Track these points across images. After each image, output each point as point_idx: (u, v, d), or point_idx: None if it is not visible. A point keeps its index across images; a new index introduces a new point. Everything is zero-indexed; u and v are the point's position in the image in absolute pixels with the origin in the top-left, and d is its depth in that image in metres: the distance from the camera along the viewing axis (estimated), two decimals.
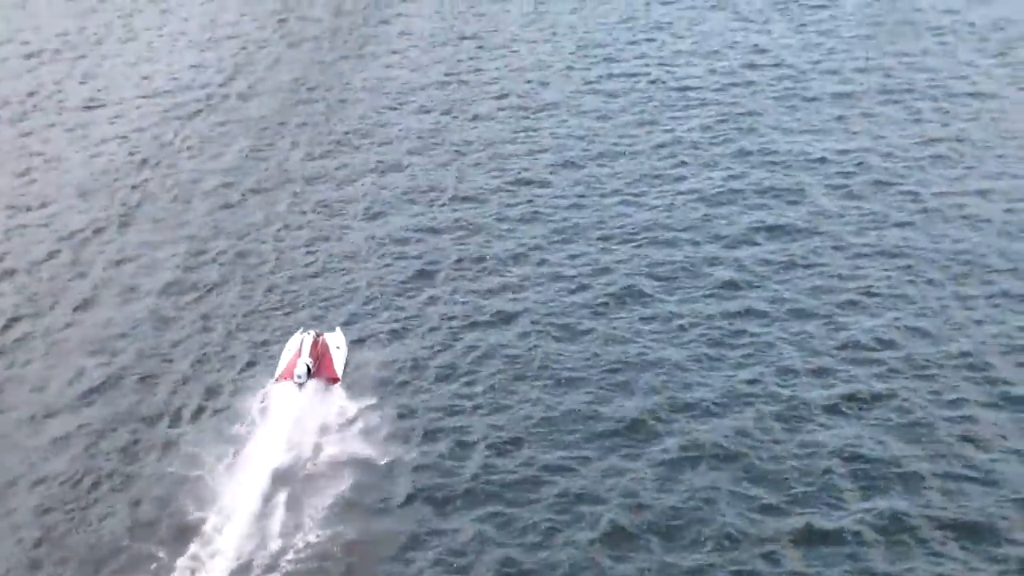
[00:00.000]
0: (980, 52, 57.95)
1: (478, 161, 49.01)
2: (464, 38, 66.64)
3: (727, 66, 58.92)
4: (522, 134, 51.74)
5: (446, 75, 60.33)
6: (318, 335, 28.49)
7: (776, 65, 58.45)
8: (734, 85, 56.17)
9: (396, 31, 69.53)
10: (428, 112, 55.38)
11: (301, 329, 29.36)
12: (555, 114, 53.93)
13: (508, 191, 45.34)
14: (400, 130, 53.16)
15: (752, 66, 58.52)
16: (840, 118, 51.21)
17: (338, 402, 27.42)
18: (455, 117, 54.42)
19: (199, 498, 24.79)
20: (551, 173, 47.17)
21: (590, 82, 57.89)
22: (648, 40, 63.62)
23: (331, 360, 27.71)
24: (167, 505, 25.31)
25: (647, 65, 59.61)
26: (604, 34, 65.46)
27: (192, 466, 26.02)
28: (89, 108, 57.64)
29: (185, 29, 71.43)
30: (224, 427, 27.21)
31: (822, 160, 46.44)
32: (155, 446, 27.52)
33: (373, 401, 28.28)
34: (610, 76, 58.34)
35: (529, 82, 58.52)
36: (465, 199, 44.69)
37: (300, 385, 26.93)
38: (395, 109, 56.17)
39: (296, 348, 27.82)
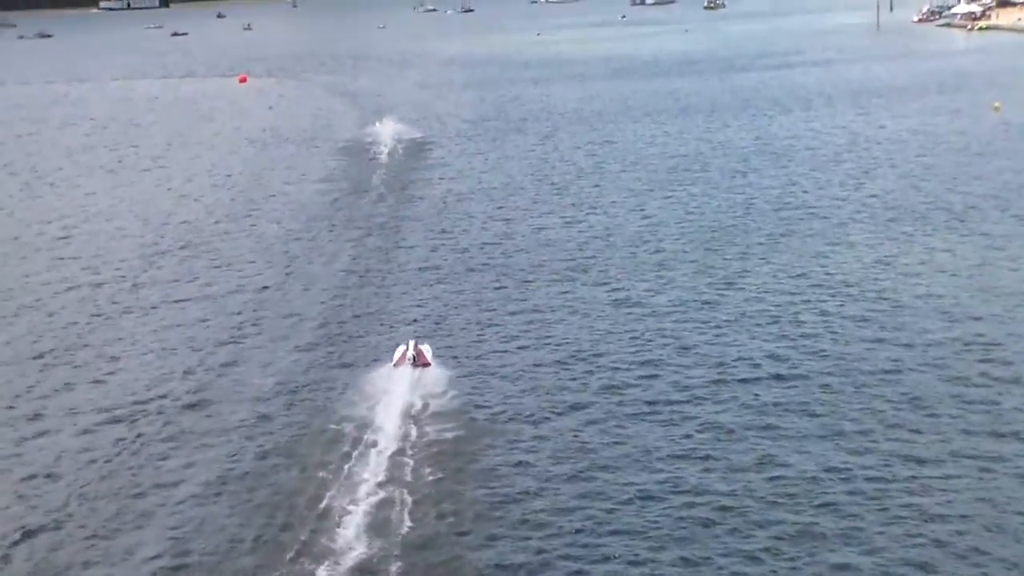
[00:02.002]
0: None
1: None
2: None
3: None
4: None
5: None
6: (416, 343, 39.08)
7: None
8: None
9: None
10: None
11: (409, 341, 39.36)
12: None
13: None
14: None
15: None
16: None
17: (430, 378, 37.51)
18: None
19: (348, 431, 33.38)
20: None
21: None
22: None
23: (424, 355, 38.53)
24: (335, 428, 33.94)
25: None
26: None
27: (347, 412, 34.97)
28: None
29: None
30: (365, 390, 36.64)
31: None
32: (323, 402, 36.32)
33: (454, 378, 37.81)
34: None
35: None
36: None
37: (412, 366, 38.09)
38: None
39: (403, 349, 38.78)
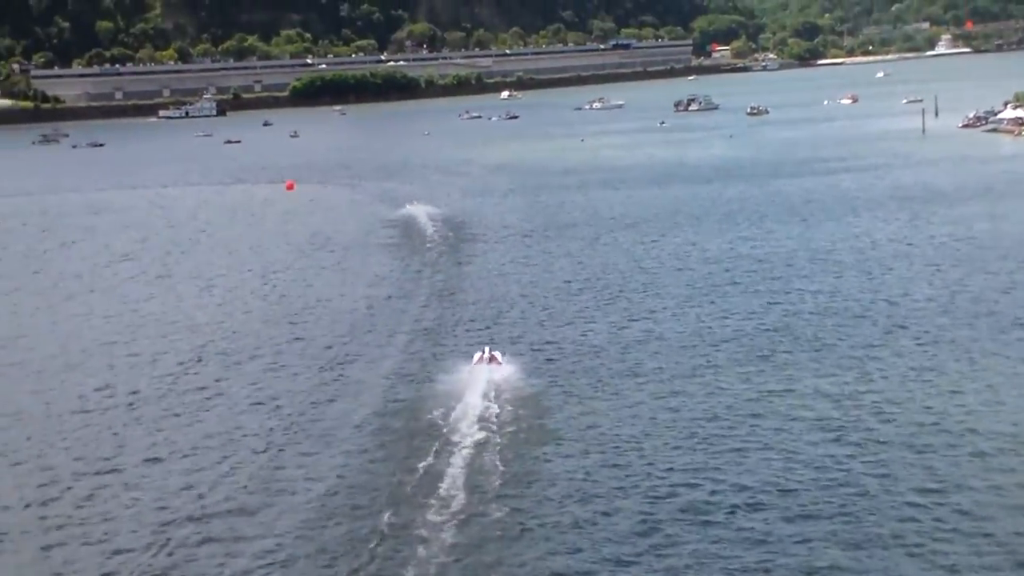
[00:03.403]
0: None
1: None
2: None
3: None
4: None
5: None
6: (490, 349, 51.38)
7: None
8: None
9: None
10: None
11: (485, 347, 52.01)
12: None
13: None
14: None
15: None
16: None
17: (503, 374, 49.36)
18: None
19: (445, 408, 45.39)
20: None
21: None
22: None
23: (497, 357, 50.46)
24: (436, 404, 46.23)
25: None
26: None
27: (444, 395, 47.27)
28: None
29: None
30: (452, 382, 48.91)
31: None
32: (427, 388, 49.13)
33: (521, 374, 49.89)
34: None
35: None
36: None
37: (487, 363, 50.07)
38: None
39: (480, 353, 50.92)
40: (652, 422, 43.42)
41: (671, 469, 38.32)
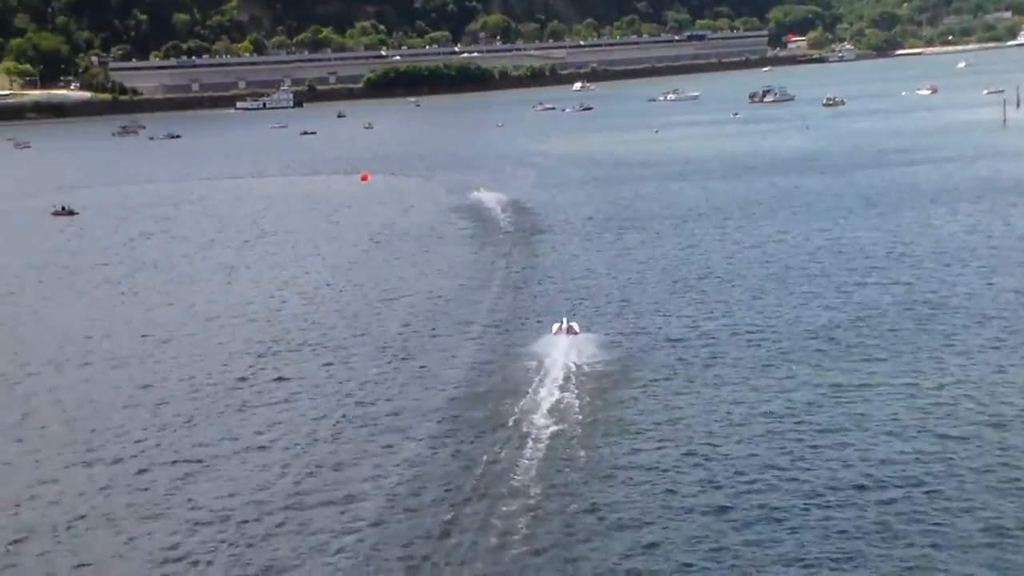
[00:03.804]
0: None
1: None
2: None
3: None
4: None
5: None
6: (568, 320, 55.11)
7: None
8: None
9: None
10: None
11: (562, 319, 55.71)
12: None
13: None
14: None
15: None
16: None
17: (579, 343, 52.61)
18: None
19: (529, 372, 49.41)
20: None
21: None
22: None
23: (574, 327, 54.06)
24: (521, 369, 50.27)
25: None
26: None
27: (527, 361, 51.17)
28: None
29: None
30: (534, 347, 53.02)
31: None
32: (510, 356, 53.15)
33: (596, 343, 53.28)
34: None
35: None
36: None
37: (565, 334, 53.56)
38: None
39: (559, 324, 54.60)
40: (728, 412, 43.08)
41: (748, 460, 37.97)
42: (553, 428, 41.73)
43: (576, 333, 53.70)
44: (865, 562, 30.66)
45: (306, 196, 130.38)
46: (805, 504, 34.31)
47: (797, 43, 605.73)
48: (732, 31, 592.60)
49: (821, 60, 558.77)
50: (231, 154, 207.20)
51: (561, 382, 47.24)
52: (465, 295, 67.54)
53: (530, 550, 32.20)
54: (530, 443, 40.35)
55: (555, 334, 53.72)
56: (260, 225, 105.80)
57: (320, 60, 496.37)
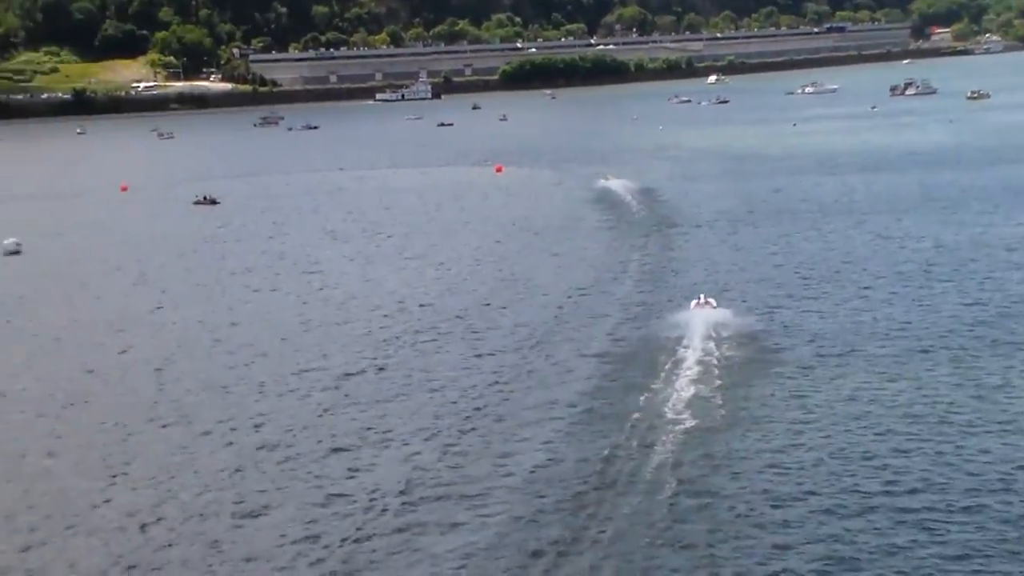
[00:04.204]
0: None
1: None
2: None
3: None
4: None
5: None
6: (705, 297, 57.84)
7: None
8: None
9: None
10: None
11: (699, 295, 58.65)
12: None
13: None
14: None
15: None
16: None
17: (717, 315, 55.31)
18: None
19: (670, 343, 52.17)
20: None
21: None
22: None
23: (711, 302, 56.98)
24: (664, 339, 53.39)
25: None
26: None
27: (669, 331, 54.06)
28: None
29: None
30: (676, 318, 55.76)
31: None
32: (654, 326, 56.76)
33: (731, 315, 55.84)
34: None
35: None
36: None
37: (701, 307, 56.45)
38: None
39: (696, 300, 57.39)
40: (866, 408, 42.47)
41: (887, 459, 37.33)
42: (687, 420, 41.53)
43: (714, 307, 56.61)
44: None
45: (441, 187, 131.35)
46: (947, 507, 33.52)
47: (941, 35, 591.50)
48: (873, 23, 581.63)
49: (966, 52, 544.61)
50: (367, 145, 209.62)
51: (698, 366, 47.85)
52: (599, 285, 67.70)
53: (663, 543, 32.03)
54: (663, 432, 40.30)
55: (693, 309, 56.55)
56: (396, 216, 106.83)
57: (456, 52, 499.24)
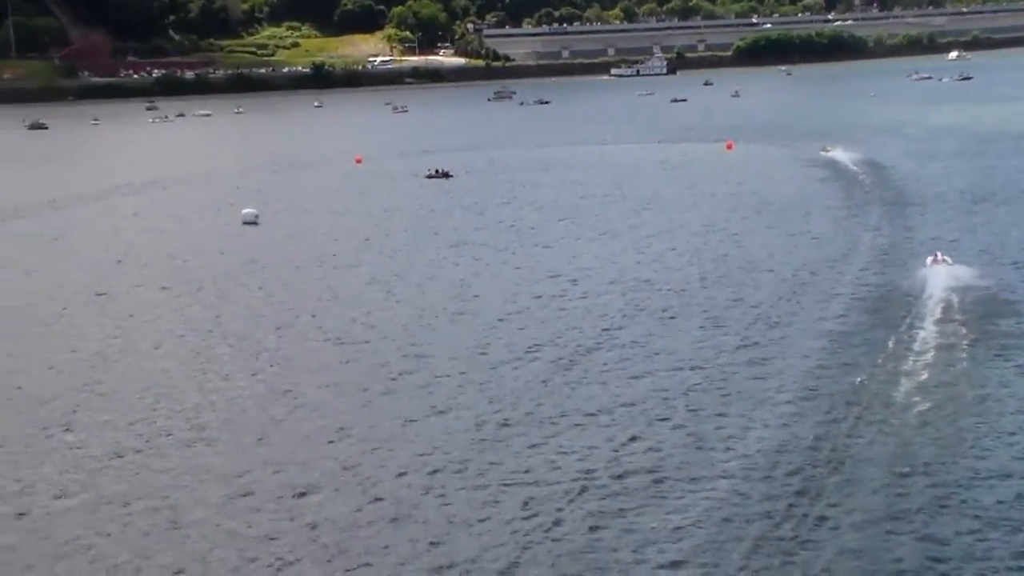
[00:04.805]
0: None
1: None
2: None
3: None
4: None
5: None
6: (941, 255, 61.22)
7: None
8: None
9: None
10: None
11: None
12: None
13: None
14: None
15: None
16: None
17: (956, 272, 58.25)
18: None
19: (910, 297, 56.01)
20: None
21: None
22: None
23: (947, 259, 59.76)
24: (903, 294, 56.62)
25: None
26: None
27: (909, 287, 57.90)
28: None
29: None
30: (916, 276, 58.84)
31: None
32: (895, 282, 60.45)
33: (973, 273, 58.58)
34: None
35: None
36: None
37: (936, 264, 59.97)
38: None
39: (932, 256, 61.00)
40: None
41: None
42: (921, 398, 40.92)
43: (949, 264, 59.68)
44: None
45: (672, 163, 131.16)
46: None
47: None
48: None
49: None
50: (599, 120, 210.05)
51: (934, 336, 48.43)
52: (830, 263, 66.90)
53: (886, 530, 31.45)
54: (898, 411, 39.90)
55: (929, 265, 60.17)
56: (625, 190, 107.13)
57: (690, 28, 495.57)
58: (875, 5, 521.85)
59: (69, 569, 31.87)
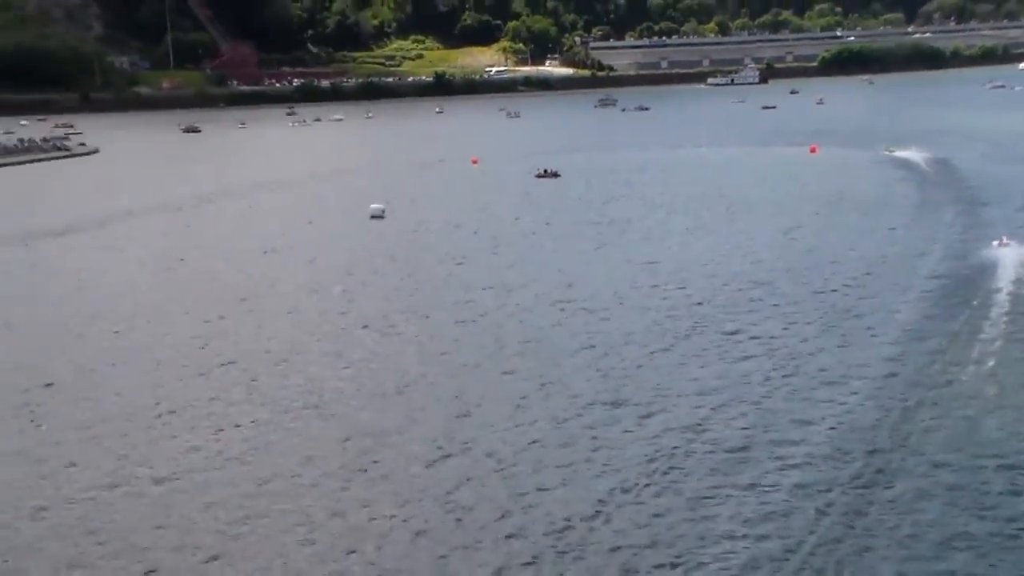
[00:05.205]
0: None
1: None
2: None
3: None
4: None
5: None
6: (1007, 238, 62.11)
7: None
8: None
9: None
10: None
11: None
12: None
13: None
14: None
15: None
16: None
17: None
18: None
19: (975, 279, 57.45)
20: None
21: None
22: None
23: (1012, 244, 60.58)
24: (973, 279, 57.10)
25: None
26: None
27: (977, 267, 59.13)
28: None
29: None
30: (984, 257, 59.96)
31: None
32: (966, 260, 64.32)
33: None
34: None
35: None
36: None
37: (1002, 246, 61.29)
38: None
39: (998, 240, 61.70)
40: None
41: None
42: (992, 386, 40.29)
43: (1013, 247, 61.09)
44: None
45: (759, 165, 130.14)
46: None
47: None
48: None
49: None
50: (695, 125, 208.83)
51: (1004, 325, 47.20)
52: (904, 261, 66.02)
53: (959, 507, 31.01)
54: (971, 399, 39.25)
55: (997, 247, 62.16)
56: (716, 190, 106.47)
57: (778, 40, 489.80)
58: (953, 18, 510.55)
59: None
